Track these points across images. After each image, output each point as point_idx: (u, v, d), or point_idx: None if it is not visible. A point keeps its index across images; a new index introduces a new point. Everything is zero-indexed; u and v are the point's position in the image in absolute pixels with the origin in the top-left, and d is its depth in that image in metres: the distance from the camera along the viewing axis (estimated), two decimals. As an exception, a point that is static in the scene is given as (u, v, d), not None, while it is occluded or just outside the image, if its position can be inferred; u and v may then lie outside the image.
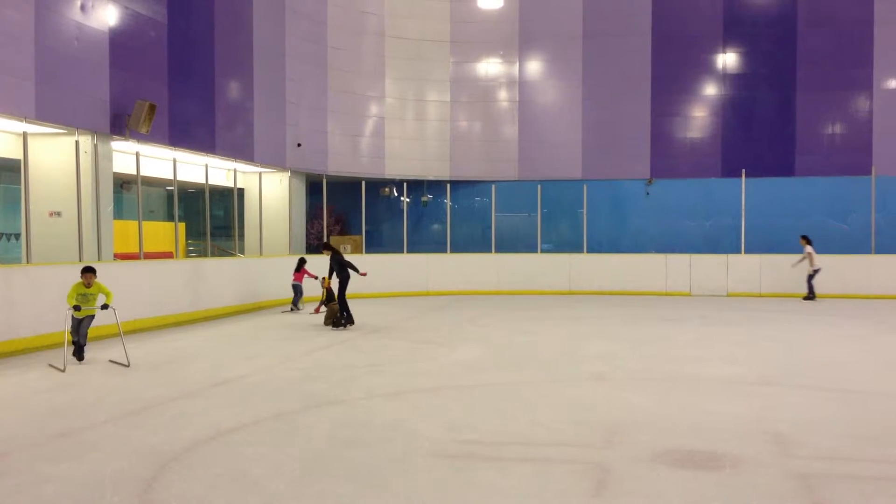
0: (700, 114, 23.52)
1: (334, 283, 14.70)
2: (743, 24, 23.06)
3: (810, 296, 19.23)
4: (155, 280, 14.42)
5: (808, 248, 19.23)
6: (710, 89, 23.41)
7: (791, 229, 22.26)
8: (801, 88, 22.63)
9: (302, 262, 17.44)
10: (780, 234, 22.18)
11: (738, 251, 21.25)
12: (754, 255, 20.87)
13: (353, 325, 14.14)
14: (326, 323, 14.19)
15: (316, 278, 16.97)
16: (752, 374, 9.34)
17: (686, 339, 12.59)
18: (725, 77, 23.28)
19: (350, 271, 14.21)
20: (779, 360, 10.41)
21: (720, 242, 22.45)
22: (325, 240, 21.65)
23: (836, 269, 20.11)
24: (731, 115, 23.24)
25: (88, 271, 10.13)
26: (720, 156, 23.18)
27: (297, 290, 17.29)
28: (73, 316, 10.05)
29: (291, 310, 17.20)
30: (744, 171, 21.49)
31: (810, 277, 19.20)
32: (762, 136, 22.95)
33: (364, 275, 14.77)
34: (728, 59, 23.26)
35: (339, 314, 14.00)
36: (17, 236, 15.54)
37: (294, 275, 17.32)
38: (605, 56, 23.58)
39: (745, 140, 23.04)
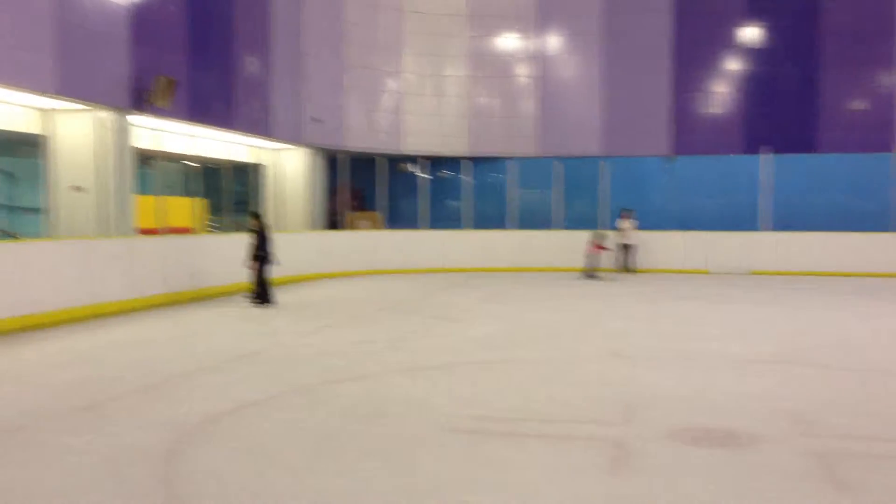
0: (722, 89, 23.19)
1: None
2: (766, -1, 22.67)
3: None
4: (174, 255, 14.52)
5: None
6: (733, 64, 23.06)
7: (812, 206, 22.01)
8: (824, 63, 22.23)
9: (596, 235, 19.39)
10: (801, 211, 21.95)
11: (758, 228, 21.06)
12: (774, 233, 20.66)
13: (273, 305, 13.59)
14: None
15: (606, 249, 19.39)
16: (769, 352, 9.29)
17: (703, 318, 12.54)
18: (748, 52, 22.92)
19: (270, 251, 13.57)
20: (796, 339, 10.35)
21: (740, 220, 22.21)
22: (339, 216, 21.68)
23: (859, 247, 19.93)
24: (754, 91, 22.88)
25: None
26: (742, 132, 22.88)
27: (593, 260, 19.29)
28: None
29: (587, 277, 19.07)
30: (766, 147, 21.20)
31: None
32: (785, 112, 22.59)
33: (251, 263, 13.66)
34: (751, 34, 22.89)
35: (254, 290, 13.55)
36: (39, 211, 15.69)
37: (587, 247, 19.26)
38: (625, 31, 23.25)
39: (767, 116, 22.71)
